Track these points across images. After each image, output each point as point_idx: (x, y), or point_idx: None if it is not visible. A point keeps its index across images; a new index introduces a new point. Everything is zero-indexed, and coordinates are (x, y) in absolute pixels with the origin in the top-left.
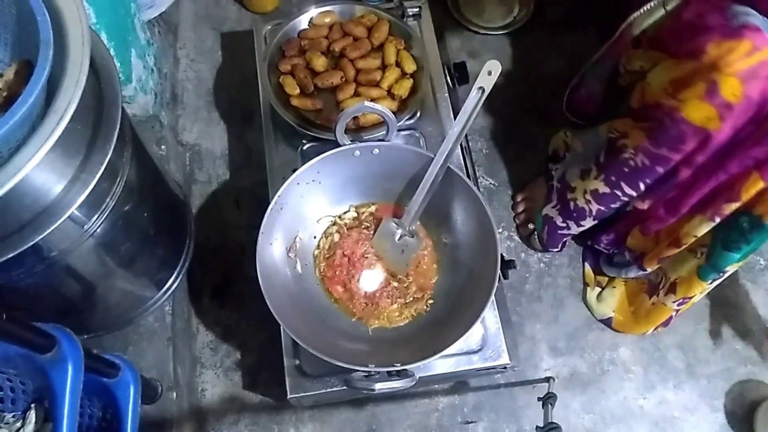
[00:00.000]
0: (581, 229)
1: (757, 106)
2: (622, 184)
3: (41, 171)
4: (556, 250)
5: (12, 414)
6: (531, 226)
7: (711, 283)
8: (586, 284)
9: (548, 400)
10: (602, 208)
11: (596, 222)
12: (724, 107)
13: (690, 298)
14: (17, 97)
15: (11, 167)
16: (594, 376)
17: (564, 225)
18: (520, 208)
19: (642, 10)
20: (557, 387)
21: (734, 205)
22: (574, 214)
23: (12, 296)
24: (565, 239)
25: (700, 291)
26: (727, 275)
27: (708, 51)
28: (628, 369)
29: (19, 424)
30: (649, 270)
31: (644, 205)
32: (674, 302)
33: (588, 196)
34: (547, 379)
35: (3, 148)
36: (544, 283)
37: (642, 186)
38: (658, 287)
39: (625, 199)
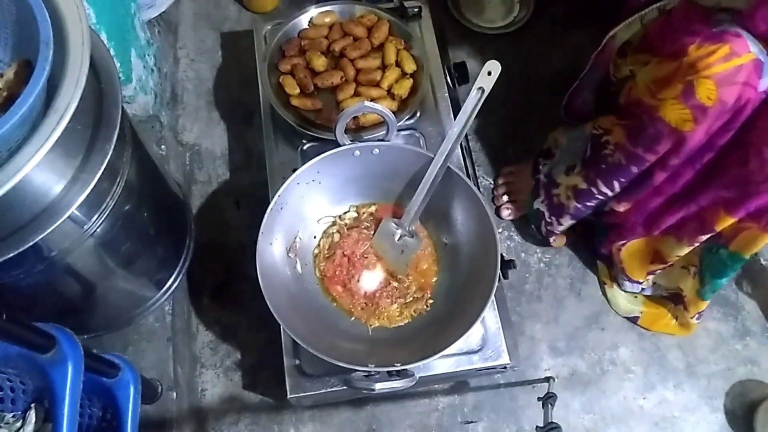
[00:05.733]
0: (562, 227)
1: (731, 112)
2: (598, 182)
3: (41, 171)
4: (562, 244)
5: (12, 414)
6: (507, 210)
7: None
8: (603, 282)
9: (548, 400)
10: (579, 206)
11: (574, 221)
12: (699, 109)
13: (701, 313)
14: (17, 97)
15: (11, 167)
16: (594, 376)
17: (550, 221)
18: (501, 190)
19: (623, 24)
20: (557, 387)
21: (708, 236)
22: (557, 211)
23: (12, 296)
24: (554, 234)
25: (706, 306)
26: None
27: (689, 53)
28: (628, 369)
29: (19, 424)
30: (641, 281)
31: (620, 207)
32: (692, 317)
33: (569, 192)
34: (547, 379)
35: (3, 148)
36: (544, 283)
37: (617, 185)
38: (681, 297)
39: (600, 197)
